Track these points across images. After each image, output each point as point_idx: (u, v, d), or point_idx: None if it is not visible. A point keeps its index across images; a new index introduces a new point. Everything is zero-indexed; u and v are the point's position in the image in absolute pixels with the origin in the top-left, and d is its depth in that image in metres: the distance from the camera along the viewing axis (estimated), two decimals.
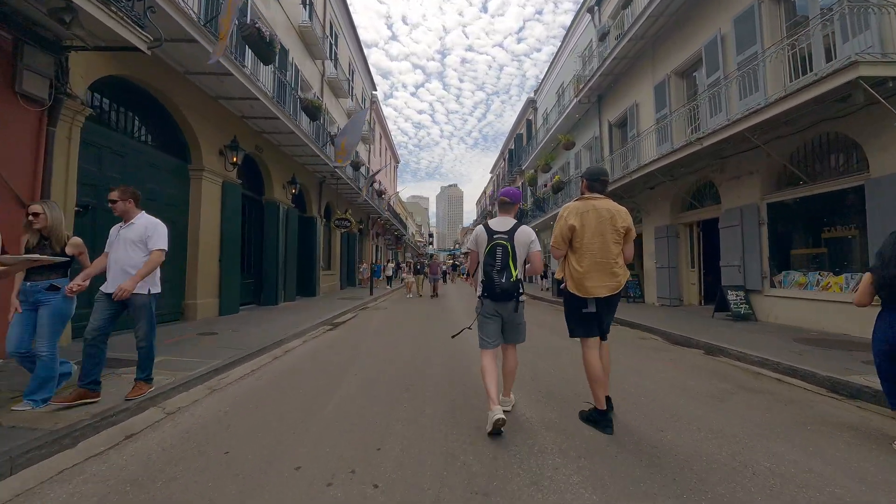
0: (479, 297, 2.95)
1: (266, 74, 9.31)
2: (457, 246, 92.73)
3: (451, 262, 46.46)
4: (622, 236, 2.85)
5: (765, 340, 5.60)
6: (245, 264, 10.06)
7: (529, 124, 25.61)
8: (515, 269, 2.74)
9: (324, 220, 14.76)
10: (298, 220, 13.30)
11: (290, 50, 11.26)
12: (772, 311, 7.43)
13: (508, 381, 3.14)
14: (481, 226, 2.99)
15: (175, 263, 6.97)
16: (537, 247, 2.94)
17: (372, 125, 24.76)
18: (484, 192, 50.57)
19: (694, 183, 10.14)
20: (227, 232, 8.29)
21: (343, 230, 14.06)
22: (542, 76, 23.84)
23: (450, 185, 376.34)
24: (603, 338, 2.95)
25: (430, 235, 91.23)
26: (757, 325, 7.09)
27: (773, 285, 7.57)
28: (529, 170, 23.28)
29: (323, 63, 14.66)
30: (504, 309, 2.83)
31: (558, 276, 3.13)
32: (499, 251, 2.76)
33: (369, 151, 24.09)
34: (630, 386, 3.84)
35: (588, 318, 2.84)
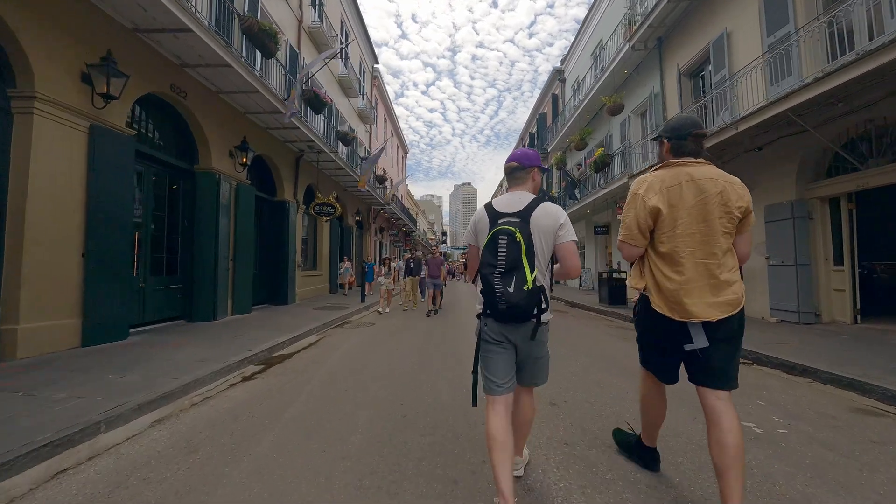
0: (478, 315, 1.86)
1: None
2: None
3: (465, 260, 43.56)
4: (736, 222, 1.74)
5: None
6: (159, 263, 6.89)
7: (555, 100, 22.01)
8: (532, 272, 1.64)
9: (303, 206, 11.57)
10: (262, 205, 10.12)
11: None
12: None
13: (520, 436, 1.99)
14: (482, 207, 1.95)
15: None
16: (571, 235, 1.81)
17: (374, 104, 21.57)
18: (500, 185, 46.98)
19: (844, 132, 6.52)
20: (98, 208, 5.10)
21: (326, 218, 10.88)
22: (568, 45, 20.27)
23: (463, 184, 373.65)
24: (718, 386, 1.74)
25: (444, 234, 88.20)
26: None
27: None
28: (556, 151, 19.71)
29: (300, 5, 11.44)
30: (515, 334, 1.77)
31: (635, 285, 1.94)
32: (503, 243, 1.67)
33: (370, 134, 20.89)
34: None
35: (679, 356, 1.82)
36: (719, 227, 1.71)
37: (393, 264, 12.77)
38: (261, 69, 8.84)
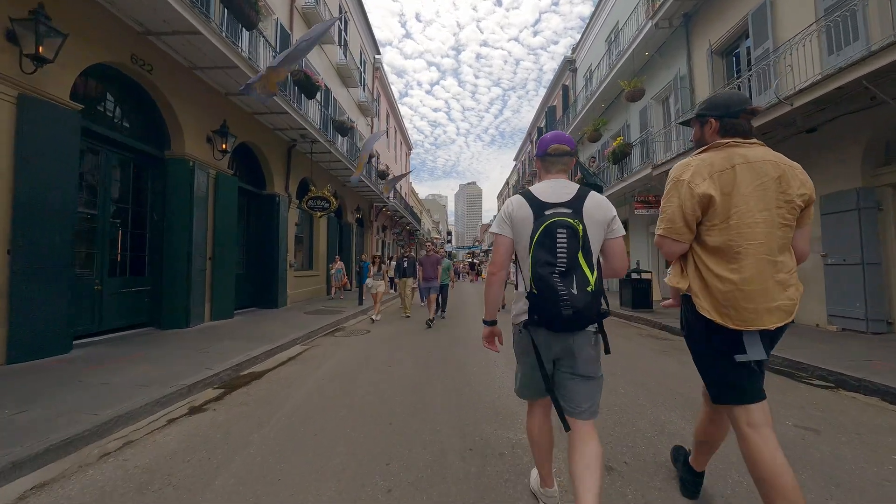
0: (520, 324, 1.66)
1: None
2: (476, 243, 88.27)
3: (470, 259, 42.49)
4: (797, 214, 1.54)
5: None
6: (122, 262, 6.02)
7: (566, 91, 20.95)
8: (593, 271, 1.48)
9: (296, 201, 10.67)
10: (249, 199, 9.24)
11: None
12: None
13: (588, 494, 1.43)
14: (519, 196, 1.68)
15: None
16: (622, 229, 1.64)
17: (375, 97, 20.67)
18: (507, 183, 45.94)
19: None
20: (30, 196, 4.22)
21: (320, 213, 9.97)
22: (580, 34, 19.20)
23: (468, 183, 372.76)
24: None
25: (449, 233, 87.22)
26: None
27: None
28: None
29: None
30: (568, 344, 1.55)
31: (676, 285, 1.68)
32: (562, 237, 1.47)
33: (371, 128, 19.99)
34: None
35: (743, 370, 1.55)
36: (778, 218, 1.51)
37: (385, 264, 11.54)
38: (249, 53, 7.94)
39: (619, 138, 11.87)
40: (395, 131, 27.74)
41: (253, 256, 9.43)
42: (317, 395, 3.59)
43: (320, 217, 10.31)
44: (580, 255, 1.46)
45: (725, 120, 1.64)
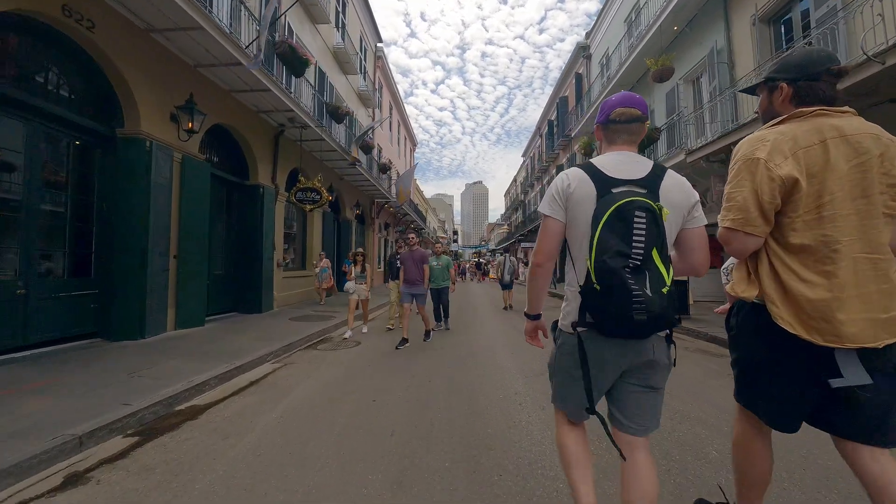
0: (570, 326, 1.37)
1: None
2: (482, 242, 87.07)
3: (477, 259, 41.50)
4: None
5: None
6: (58, 261, 4.99)
7: (579, 80, 19.73)
8: (669, 270, 1.21)
9: (285, 193, 9.61)
10: (230, 190, 8.21)
11: None
12: None
13: None
14: (577, 168, 1.36)
15: None
16: (704, 217, 1.36)
17: (377, 87, 19.63)
18: (514, 180, 44.71)
19: None
20: None
21: (310, 206, 8.90)
22: (594, 18, 17.95)
23: (474, 183, 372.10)
24: (881, 441, 1.23)
25: (455, 232, 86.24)
26: None
27: None
28: (582, 136, 17.43)
29: None
30: (636, 353, 1.29)
31: (742, 292, 1.39)
32: (641, 222, 1.19)
33: (372, 120, 18.90)
34: None
35: (812, 395, 1.29)
36: (881, 206, 1.21)
37: (370, 265, 9.53)
38: (231, 28, 6.89)
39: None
40: (399, 125, 26.69)
41: (235, 255, 8.39)
42: (263, 450, 2.49)
43: (311, 211, 9.24)
44: (656, 251, 1.18)
45: (801, 84, 1.34)
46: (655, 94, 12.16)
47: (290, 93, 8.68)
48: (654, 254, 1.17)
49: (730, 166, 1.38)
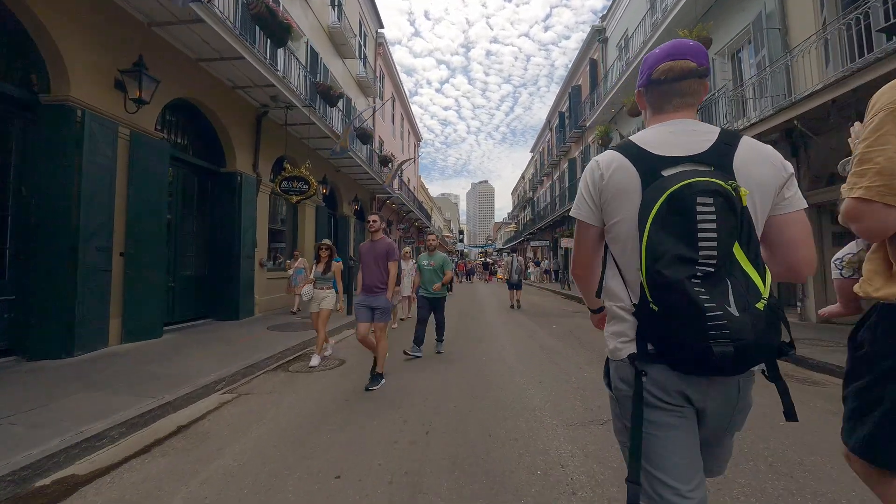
0: (630, 358, 0.99)
1: None
2: (489, 241, 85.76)
3: (483, 259, 40.66)
4: None
5: None
6: None
7: (594, 66, 18.47)
8: (763, 274, 0.88)
9: (271, 184, 8.50)
10: (200, 177, 7.13)
11: None
12: None
13: None
14: (613, 152, 1.04)
15: None
16: (802, 199, 0.98)
17: (378, 75, 18.53)
18: (522, 177, 43.42)
19: None
20: None
21: (296, 198, 7.77)
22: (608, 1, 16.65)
23: (480, 182, 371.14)
24: None
25: (461, 232, 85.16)
26: None
27: None
28: (598, 125, 16.16)
29: None
30: (711, 393, 0.95)
31: (878, 294, 1.07)
32: (707, 212, 0.85)
33: (373, 109, 17.79)
34: None
35: None
36: None
37: (338, 262, 6.51)
38: None
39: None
40: (403, 119, 25.58)
41: (208, 253, 7.30)
42: None
43: (298, 203, 8.13)
44: (737, 246, 0.86)
45: None
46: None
47: (276, 70, 7.59)
48: (738, 253, 0.87)
49: (865, 120, 1.06)
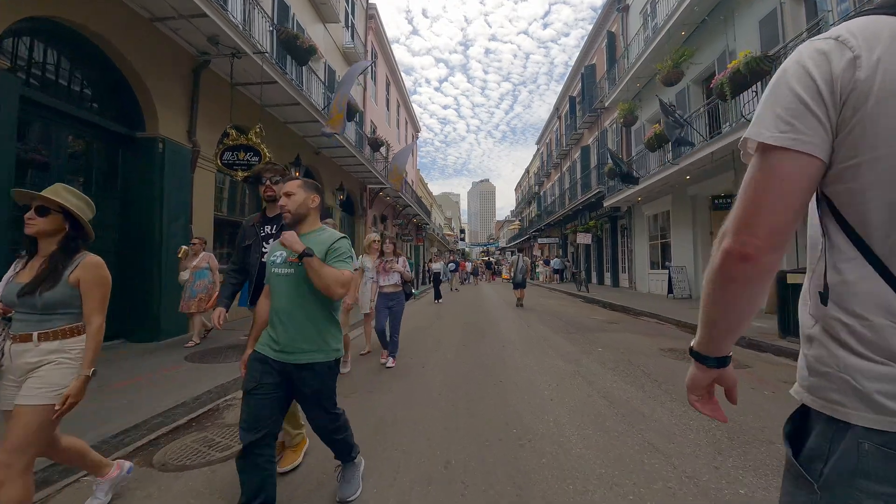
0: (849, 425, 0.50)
1: None
2: (490, 240, 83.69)
3: (486, 258, 38.92)
4: None
5: None
6: None
7: (612, 40, 16.44)
8: None
9: (215, 160, 6.48)
10: (103, 143, 5.10)
11: None
12: None
13: None
14: (871, 18, 0.52)
15: None
16: None
17: (372, 53, 16.52)
18: (527, 171, 41.38)
19: None
20: None
21: (243, 175, 5.73)
22: None
23: (481, 181, 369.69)
24: None
25: (462, 231, 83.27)
26: None
27: None
28: (619, 102, 14.07)
29: None
30: None
31: None
32: None
33: (364, 93, 15.76)
34: None
35: None
36: None
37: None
38: None
39: (744, 51, 7.25)
40: (399, 106, 23.57)
41: (120, 251, 5.30)
42: None
43: (244, 180, 6.11)
44: None
45: None
46: (737, 26, 8.85)
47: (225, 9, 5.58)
48: None
49: None
